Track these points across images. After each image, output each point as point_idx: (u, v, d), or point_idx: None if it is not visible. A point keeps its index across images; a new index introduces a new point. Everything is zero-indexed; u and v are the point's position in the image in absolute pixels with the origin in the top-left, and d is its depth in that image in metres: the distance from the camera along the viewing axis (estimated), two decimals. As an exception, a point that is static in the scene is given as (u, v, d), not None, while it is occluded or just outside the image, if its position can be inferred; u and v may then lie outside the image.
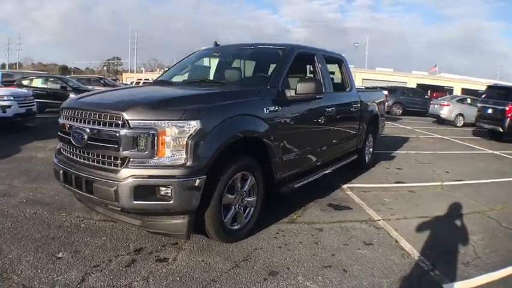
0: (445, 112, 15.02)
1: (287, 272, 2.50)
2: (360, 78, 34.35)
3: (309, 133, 3.82)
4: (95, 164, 2.60)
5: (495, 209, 4.14)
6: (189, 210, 2.52)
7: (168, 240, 2.85)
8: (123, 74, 57.58)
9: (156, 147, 2.42)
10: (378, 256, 2.80)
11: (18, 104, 7.78)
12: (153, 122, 2.43)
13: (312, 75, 4.50)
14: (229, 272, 2.46)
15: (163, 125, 2.43)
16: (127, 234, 2.94)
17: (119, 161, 2.48)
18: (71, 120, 2.77)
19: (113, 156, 2.51)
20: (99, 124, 2.57)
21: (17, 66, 56.94)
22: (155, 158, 2.44)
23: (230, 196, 2.82)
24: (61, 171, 2.81)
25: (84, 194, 2.64)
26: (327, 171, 4.26)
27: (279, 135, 3.24)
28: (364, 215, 3.76)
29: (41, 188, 3.93)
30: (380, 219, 3.64)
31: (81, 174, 2.63)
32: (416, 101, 19.18)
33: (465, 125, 14.45)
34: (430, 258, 2.80)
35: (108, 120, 2.52)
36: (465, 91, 29.91)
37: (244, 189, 2.95)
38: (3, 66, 55.40)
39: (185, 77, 4.26)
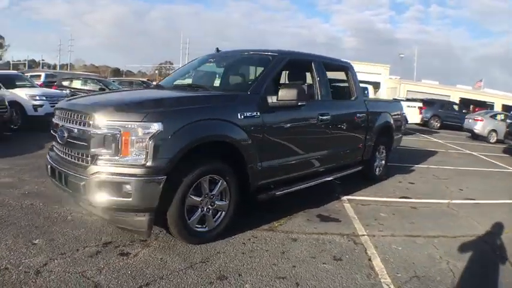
0: (479, 127, 14.47)
1: (237, 278, 2.50)
2: (404, 90, 33.35)
3: (296, 141, 3.76)
4: (72, 159, 2.83)
5: (495, 233, 3.75)
6: (148, 209, 2.64)
7: (139, 236, 2.99)
8: None
9: (120, 147, 2.58)
10: (341, 273, 2.68)
11: (50, 103, 8.32)
12: (117, 123, 2.59)
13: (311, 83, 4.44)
14: (180, 272, 2.52)
15: (126, 126, 2.58)
16: (104, 229, 3.12)
17: (89, 158, 2.68)
18: (58, 119, 3.04)
19: (84, 153, 2.71)
20: (75, 123, 2.80)
21: (68, 67, 59.62)
22: (119, 157, 2.59)
23: (196, 198, 2.89)
24: (49, 166, 3.08)
25: (63, 187, 2.88)
26: (319, 181, 4.16)
27: (257, 141, 3.25)
28: (350, 228, 3.62)
29: (47, 183, 4.29)
30: (364, 235, 3.48)
31: (61, 169, 2.87)
32: (455, 115, 18.61)
33: (498, 141, 13.67)
34: (397, 282, 2.62)
35: (81, 120, 2.74)
36: (505, 107, 28.30)
37: (213, 193, 3.00)
38: (54, 67, 58.46)
39: (188, 81, 4.44)
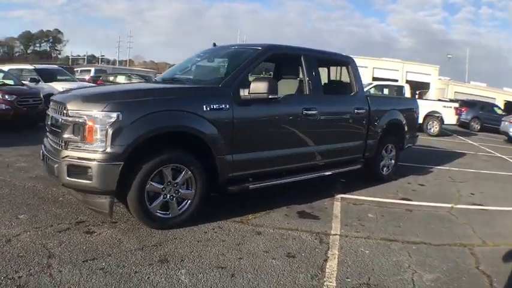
0: None
1: (177, 263, 2.60)
2: (452, 91, 31.73)
3: (275, 135, 3.74)
4: (53, 145, 3.16)
5: (488, 244, 3.35)
6: (108, 191, 2.85)
7: (109, 218, 3.21)
8: None
9: (85, 134, 2.82)
10: (286, 271, 2.64)
11: None
12: (83, 112, 2.84)
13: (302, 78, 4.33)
14: (129, 252, 2.69)
15: (90, 115, 2.81)
16: (85, 210, 3.41)
17: (63, 144, 2.97)
18: (49, 110, 3.40)
19: (60, 139, 3.01)
20: (56, 113, 3.12)
21: (128, 63, 61.72)
22: (85, 143, 2.83)
23: (157, 185, 3.04)
24: (41, 151, 3.46)
25: (47, 170, 3.24)
26: (304, 178, 4.08)
27: (227, 134, 3.30)
28: (324, 227, 3.51)
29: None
30: (336, 234, 3.35)
31: (46, 153, 3.22)
32: (495, 118, 17.41)
33: None
34: None
35: (59, 110, 3.05)
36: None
37: (177, 181, 3.13)
38: (113, 62, 60.80)
39: (188, 75, 4.62)
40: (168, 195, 3.12)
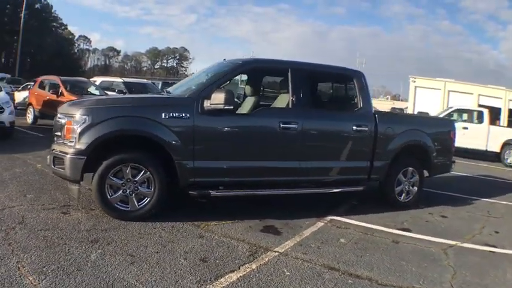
0: None
1: (102, 245, 2.96)
2: None
3: (243, 146, 3.83)
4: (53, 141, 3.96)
5: None
6: (75, 180, 3.44)
7: (94, 205, 3.79)
8: None
9: (64, 132, 3.50)
10: (183, 271, 2.71)
11: None
12: (66, 115, 3.54)
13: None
14: (77, 230, 3.20)
15: (68, 117, 3.48)
16: (81, 197, 4.08)
17: (54, 139, 3.73)
18: None
19: (54, 136, 3.78)
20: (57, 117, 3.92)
21: None
22: (64, 139, 3.51)
23: (117, 180, 3.49)
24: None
25: None
26: (279, 193, 4.02)
27: (187, 141, 3.57)
28: (274, 243, 3.39)
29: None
30: (277, 252, 3.21)
31: None
32: None
33: None
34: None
35: (58, 113, 3.83)
36: None
37: (136, 179, 3.52)
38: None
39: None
40: (128, 191, 3.54)
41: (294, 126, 3.96)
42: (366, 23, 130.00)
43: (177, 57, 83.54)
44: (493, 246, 3.81)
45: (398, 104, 33.93)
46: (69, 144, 3.45)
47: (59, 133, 3.62)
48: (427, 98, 18.38)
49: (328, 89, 4.97)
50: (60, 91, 9.37)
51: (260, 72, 4.11)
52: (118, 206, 3.55)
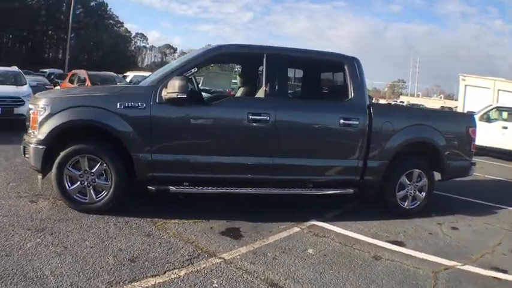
0: None
1: (44, 235, 2.94)
2: None
3: (207, 139, 3.54)
4: None
5: None
6: (38, 170, 3.46)
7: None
8: (400, 96, 57.15)
9: (31, 122, 3.54)
10: (102, 268, 2.51)
11: None
12: (32, 106, 3.57)
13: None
14: (33, 219, 3.23)
15: (34, 107, 3.50)
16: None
17: (27, 129, 3.80)
18: None
19: (27, 126, 3.86)
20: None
21: None
22: (30, 129, 3.55)
23: (74, 171, 3.42)
24: None
25: None
26: (245, 192, 3.64)
27: (143, 132, 3.39)
28: (225, 248, 3.05)
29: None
30: (221, 258, 2.87)
31: None
32: None
33: None
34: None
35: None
36: None
37: (92, 171, 3.43)
38: None
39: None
40: (86, 183, 3.47)
41: (265, 117, 3.55)
42: (422, 21, 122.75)
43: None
44: (502, 271, 3.01)
45: (449, 103, 31.89)
46: (33, 134, 3.49)
47: (27, 123, 3.69)
48: (477, 96, 17.87)
49: (313, 77, 4.41)
50: (86, 85, 9.85)
51: (231, 59, 3.76)
52: (77, 198, 3.48)
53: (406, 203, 4.11)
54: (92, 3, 56.00)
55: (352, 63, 3.95)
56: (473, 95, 18.33)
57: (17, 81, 8.74)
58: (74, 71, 12.21)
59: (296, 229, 3.62)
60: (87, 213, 3.44)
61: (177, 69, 3.55)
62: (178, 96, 3.26)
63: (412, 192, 4.09)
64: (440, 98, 44.46)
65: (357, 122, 3.77)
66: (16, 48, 48.63)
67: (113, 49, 50.52)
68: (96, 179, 3.46)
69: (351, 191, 3.86)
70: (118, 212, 3.49)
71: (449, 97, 46.80)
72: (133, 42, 71.89)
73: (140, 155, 3.42)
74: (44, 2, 50.26)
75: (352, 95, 3.86)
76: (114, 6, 62.93)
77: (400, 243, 3.45)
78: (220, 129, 3.56)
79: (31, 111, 3.58)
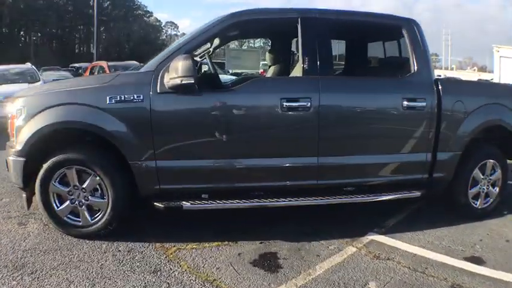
0: None
1: (22, 278, 2.19)
2: None
3: (224, 138, 2.63)
4: None
5: None
6: (20, 187, 2.75)
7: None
8: (435, 70, 55.19)
9: (9, 129, 2.83)
10: None
11: None
12: (12, 107, 2.80)
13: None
14: (13, 247, 2.61)
15: (12, 110, 2.72)
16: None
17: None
18: None
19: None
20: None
21: None
22: (11, 138, 2.84)
23: (61, 187, 2.69)
24: None
25: None
26: (278, 205, 2.73)
27: (144, 133, 2.59)
28: (239, 280, 2.17)
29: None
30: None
31: None
32: None
33: None
34: None
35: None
36: None
37: (83, 187, 2.68)
38: None
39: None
40: (77, 201, 2.72)
41: (305, 104, 2.60)
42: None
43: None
44: None
45: (484, 76, 29.55)
46: (12, 143, 2.78)
47: (8, 130, 3.00)
48: (512, 67, 16.54)
49: (365, 46, 3.36)
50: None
51: (252, 29, 2.83)
52: (67, 220, 2.74)
53: (478, 202, 3.17)
54: (118, -4, 55.83)
55: (411, 26, 2.92)
56: (509, 67, 17.41)
57: (30, 78, 8.34)
58: (94, 63, 11.75)
59: (351, 249, 2.70)
60: (82, 239, 2.72)
61: (182, 46, 2.68)
62: (183, 82, 2.38)
63: (485, 188, 3.15)
64: (474, 70, 42.09)
65: (424, 104, 2.77)
66: (46, 46, 49.63)
67: (143, 40, 49.91)
68: (90, 196, 2.71)
69: (418, 193, 2.88)
70: (120, 236, 2.76)
71: (482, 69, 44.27)
72: (164, 31, 71.42)
73: (141, 162, 2.61)
74: (70, -1, 50.66)
75: (416, 68, 2.83)
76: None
77: (478, 260, 2.55)
78: (243, 123, 2.67)
79: (9, 115, 2.88)
